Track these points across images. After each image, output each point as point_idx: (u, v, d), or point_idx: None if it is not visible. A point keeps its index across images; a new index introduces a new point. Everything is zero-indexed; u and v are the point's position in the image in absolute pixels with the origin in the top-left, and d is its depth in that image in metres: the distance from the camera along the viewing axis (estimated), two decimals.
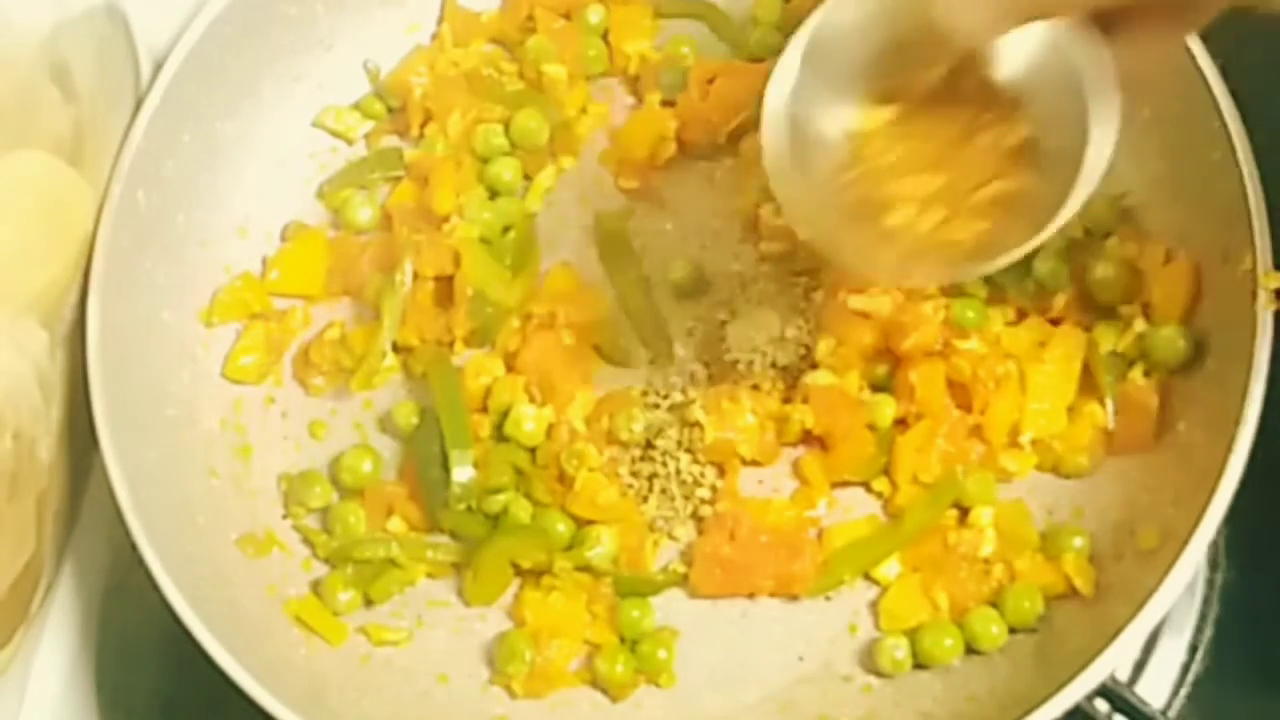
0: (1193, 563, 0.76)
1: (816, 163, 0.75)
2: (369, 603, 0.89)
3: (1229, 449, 0.77)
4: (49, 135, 0.80)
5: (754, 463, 0.89)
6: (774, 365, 0.90)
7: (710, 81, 0.96)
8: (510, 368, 0.91)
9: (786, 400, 0.89)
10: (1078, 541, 0.84)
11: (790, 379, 0.90)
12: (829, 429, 0.88)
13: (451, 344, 0.92)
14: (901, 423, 0.88)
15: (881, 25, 0.73)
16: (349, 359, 0.92)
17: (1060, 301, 0.88)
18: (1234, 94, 0.83)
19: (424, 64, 0.99)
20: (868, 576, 0.87)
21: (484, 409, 0.90)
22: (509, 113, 0.97)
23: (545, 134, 0.97)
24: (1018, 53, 0.71)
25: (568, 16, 1.00)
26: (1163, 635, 0.91)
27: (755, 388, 0.89)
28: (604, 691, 0.86)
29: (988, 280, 0.88)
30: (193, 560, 0.84)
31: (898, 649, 0.84)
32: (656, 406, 0.90)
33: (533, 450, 0.89)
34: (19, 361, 0.79)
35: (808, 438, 0.89)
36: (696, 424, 0.88)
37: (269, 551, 0.90)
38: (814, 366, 0.89)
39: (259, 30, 0.95)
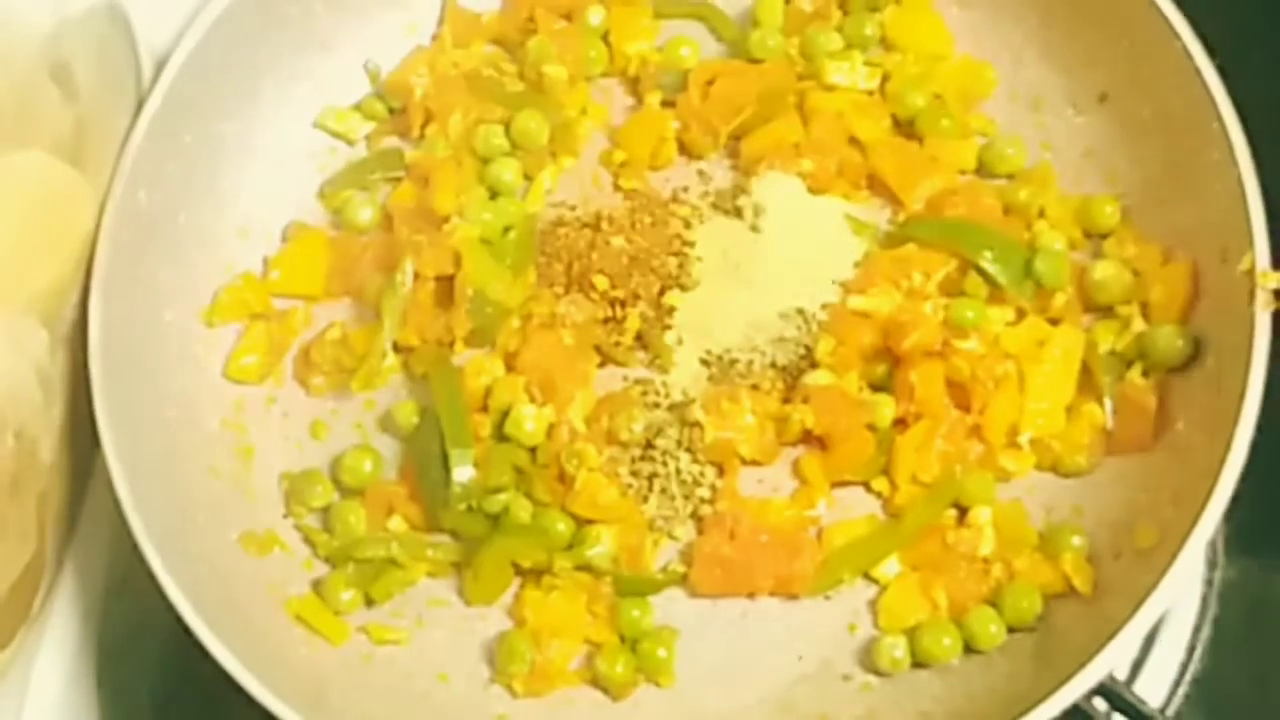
0: (1191, 562, 0.77)
1: None
2: (370, 602, 0.89)
3: (1227, 448, 0.77)
4: (50, 135, 0.80)
5: (754, 462, 0.89)
6: (774, 365, 0.90)
7: (710, 82, 0.96)
8: (510, 368, 0.91)
9: (786, 400, 0.89)
10: (1076, 541, 0.84)
11: (790, 379, 0.90)
12: (829, 429, 0.88)
13: (452, 344, 0.92)
14: (901, 423, 0.88)
15: None
16: (350, 359, 0.92)
17: (1059, 301, 0.88)
18: (1233, 94, 0.83)
19: (425, 65, 0.99)
20: (867, 576, 0.87)
21: (484, 409, 0.90)
22: (509, 113, 0.97)
23: (545, 134, 0.97)
24: None
25: (568, 17, 1.00)
26: (1161, 634, 0.91)
27: (755, 388, 0.90)
28: (604, 691, 0.86)
29: (987, 280, 0.88)
30: (194, 559, 0.84)
31: (897, 648, 0.84)
32: (656, 406, 0.91)
33: (533, 450, 0.89)
34: (20, 361, 0.79)
35: (808, 438, 0.89)
36: (696, 424, 0.89)
37: (270, 551, 0.90)
38: (814, 366, 0.89)
39: (260, 31, 0.95)
